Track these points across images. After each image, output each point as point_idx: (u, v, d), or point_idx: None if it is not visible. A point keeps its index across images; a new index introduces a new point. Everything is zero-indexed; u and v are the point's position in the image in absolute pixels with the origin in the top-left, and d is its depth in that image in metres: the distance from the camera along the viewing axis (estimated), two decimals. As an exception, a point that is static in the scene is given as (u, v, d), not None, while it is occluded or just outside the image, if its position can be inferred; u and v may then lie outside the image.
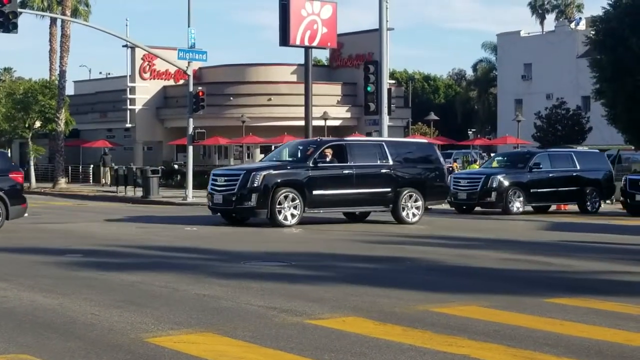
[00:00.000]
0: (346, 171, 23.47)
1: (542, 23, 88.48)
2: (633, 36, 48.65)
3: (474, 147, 67.95)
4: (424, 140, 28.02)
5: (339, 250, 16.80)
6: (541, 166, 30.83)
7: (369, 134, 38.05)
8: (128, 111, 60.66)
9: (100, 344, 8.04)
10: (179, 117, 54.24)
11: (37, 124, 53.65)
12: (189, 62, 37.51)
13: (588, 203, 31.38)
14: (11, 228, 20.66)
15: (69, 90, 62.04)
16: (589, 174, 31.75)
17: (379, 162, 24.08)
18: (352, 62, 60.91)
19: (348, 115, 60.00)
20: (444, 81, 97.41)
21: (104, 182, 52.75)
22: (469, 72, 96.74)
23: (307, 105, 37.82)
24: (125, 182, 40.76)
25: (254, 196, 22.21)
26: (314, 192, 22.80)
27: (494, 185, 29.74)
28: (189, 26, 37.70)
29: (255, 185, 22.20)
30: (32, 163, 51.91)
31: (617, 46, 49.31)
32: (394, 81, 63.63)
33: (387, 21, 35.69)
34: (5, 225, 20.79)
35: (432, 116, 60.17)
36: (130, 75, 60.78)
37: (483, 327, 8.91)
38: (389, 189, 23.97)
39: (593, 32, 54.49)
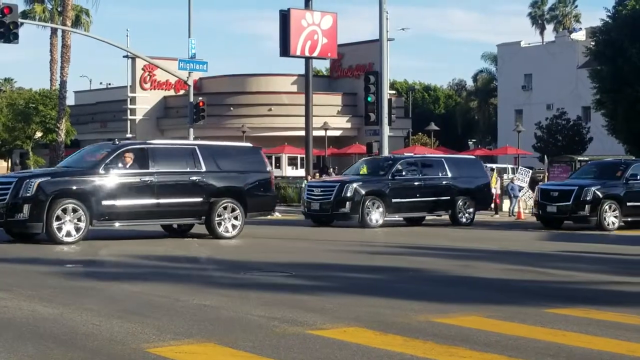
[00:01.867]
0: (145, 179, 20.55)
1: (542, 34, 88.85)
2: (632, 47, 48.81)
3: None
4: (247, 144, 25.36)
5: (339, 261, 16.79)
6: (404, 173, 28.15)
7: (369, 144, 38.01)
8: (128, 121, 60.81)
9: (101, 354, 8.02)
10: (179, 128, 54.33)
11: (38, 134, 53.71)
12: (189, 73, 37.59)
13: (460, 214, 28.85)
14: (11, 239, 20.60)
15: (70, 100, 62.18)
16: (461, 183, 29.17)
17: (189, 168, 21.35)
18: (353, 72, 61.05)
19: (348, 125, 60.07)
20: (444, 91, 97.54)
21: None
22: (469, 83, 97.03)
23: (308, 116, 37.86)
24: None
25: (26, 207, 19.06)
26: (104, 203, 19.85)
27: (348, 195, 26.71)
28: (189, 37, 37.80)
29: (28, 194, 19.08)
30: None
31: (617, 57, 49.49)
32: (394, 91, 63.76)
33: (387, 32, 35.79)
34: (5, 236, 20.74)
35: (433, 126, 60.30)
36: (130, 86, 60.94)
37: (484, 337, 8.89)
38: (200, 199, 21.21)
39: (593, 43, 54.67)
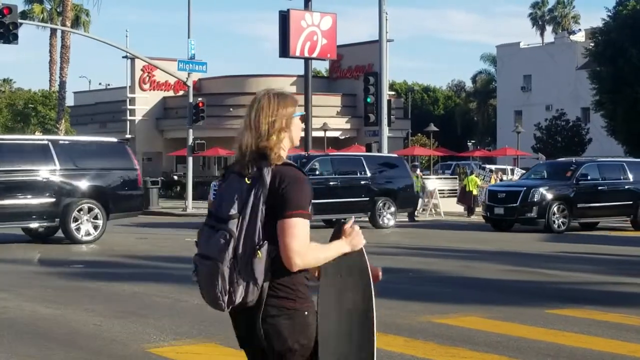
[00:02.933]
0: None
1: (542, 35, 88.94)
2: (633, 48, 48.85)
3: (474, 159, 68.04)
4: (111, 139, 23.12)
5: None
6: (318, 172, 26.12)
7: (368, 145, 38.00)
8: (128, 122, 60.72)
9: (102, 354, 8.03)
10: (178, 128, 54.30)
11: (37, 134, 53.73)
12: (188, 73, 37.55)
13: (380, 216, 26.89)
14: (11, 239, 20.62)
15: (69, 101, 62.12)
16: (382, 183, 27.43)
17: (40, 166, 19.53)
18: (352, 73, 61.01)
19: (348, 126, 60.06)
20: (443, 92, 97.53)
21: None
22: (469, 84, 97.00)
23: (307, 116, 37.83)
24: (125, 192, 40.67)
25: None
26: None
27: None
28: (188, 37, 37.79)
29: None
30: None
31: (617, 58, 49.52)
32: (393, 92, 63.71)
33: (386, 33, 35.78)
34: (5, 236, 20.73)
35: (432, 127, 60.22)
36: (130, 86, 60.85)
37: (485, 338, 8.90)
38: (51, 200, 19.54)
39: (592, 44, 54.72)
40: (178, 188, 48.95)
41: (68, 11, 50.93)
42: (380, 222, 26.92)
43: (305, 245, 3.85)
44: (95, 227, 20.11)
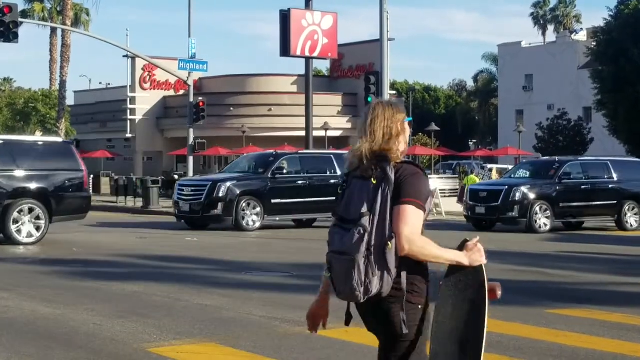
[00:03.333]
0: None
1: (544, 34, 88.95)
2: (634, 47, 48.81)
3: (475, 158, 67.99)
4: (57, 139, 21.62)
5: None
6: (286, 172, 25.27)
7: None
8: (128, 121, 60.72)
9: (102, 354, 8.00)
10: (179, 128, 54.32)
11: (37, 134, 53.77)
12: (189, 73, 37.53)
13: None
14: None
15: (69, 100, 62.11)
16: None
17: None
18: (353, 72, 60.99)
19: (349, 125, 60.05)
20: (444, 92, 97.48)
21: None
22: (470, 83, 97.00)
23: (308, 116, 37.82)
24: (125, 192, 40.71)
25: None
26: None
27: (220, 195, 24.14)
28: (189, 36, 37.77)
29: None
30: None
31: (619, 57, 49.48)
32: (394, 92, 63.69)
33: (387, 32, 35.72)
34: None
35: (433, 127, 60.20)
36: (130, 86, 60.84)
37: (486, 337, 8.84)
38: None
39: (594, 44, 54.69)
40: (178, 187, 48.86)
41: (68, 10, 50.92)
42: None
43: (416, 233, 4.22)
44: (38, 228, 19.46)
